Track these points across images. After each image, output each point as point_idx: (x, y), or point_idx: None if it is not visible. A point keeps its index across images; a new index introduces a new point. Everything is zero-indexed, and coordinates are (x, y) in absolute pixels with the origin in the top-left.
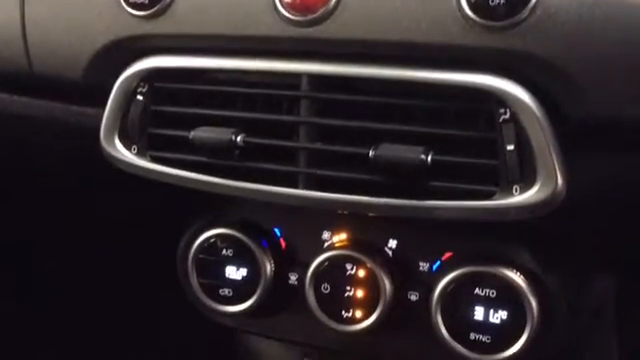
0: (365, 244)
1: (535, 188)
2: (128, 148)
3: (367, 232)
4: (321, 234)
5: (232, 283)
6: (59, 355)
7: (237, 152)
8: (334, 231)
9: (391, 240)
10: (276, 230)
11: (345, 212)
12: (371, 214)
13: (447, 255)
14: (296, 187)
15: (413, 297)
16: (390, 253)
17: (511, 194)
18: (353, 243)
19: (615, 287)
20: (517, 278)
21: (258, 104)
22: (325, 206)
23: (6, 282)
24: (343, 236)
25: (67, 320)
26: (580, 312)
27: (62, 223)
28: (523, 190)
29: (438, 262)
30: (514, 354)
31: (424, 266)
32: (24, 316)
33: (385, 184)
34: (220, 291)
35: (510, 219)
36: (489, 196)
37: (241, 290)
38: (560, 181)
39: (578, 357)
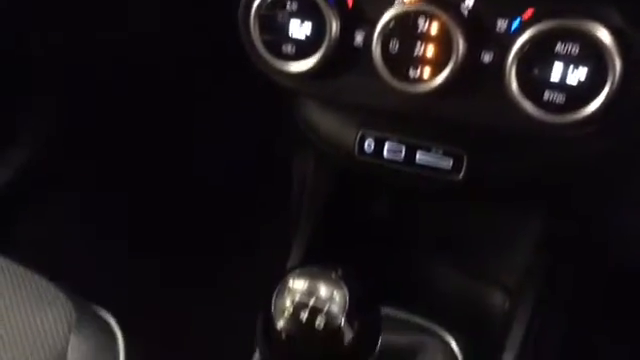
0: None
1: None
2: None
3: None
4: None
5: (295, 40)
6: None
7: None
8: None
9: None
10: None
11: None
12: None
13: (528, 12)
14: None
15: (487, 58)
16: (466, 11)
17: None
18: None
19: None
20: (603, 34)
21: None
22: None
23: None
24: None
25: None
26: None
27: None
28: None
29: (518, 20)
30: (587, 115)
31: (502, 24)
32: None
33: None
34: (283, 47)
35: None
36: None
37: (305, 47)
38: None
39: None
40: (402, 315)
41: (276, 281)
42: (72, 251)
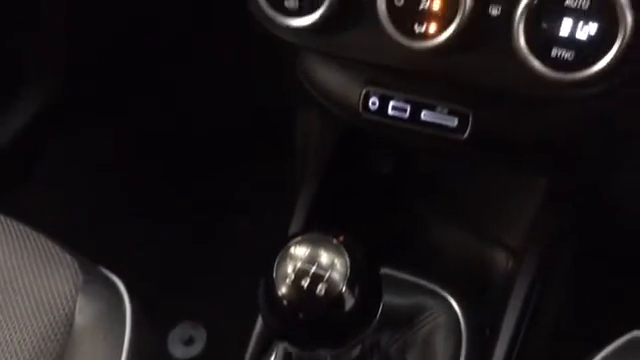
0: None
1: None
2: None
3: None
4: None
5: None
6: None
7: None
8: None
9: None
10: None
11: None
12: None
13: None
14: None
15: (494, 11)
16: None
17: None
18: None
19: None
20: None
21: None
22: None
23: None
24: None
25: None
26: None
27: None
28: None
29: None
30: (595, 73)
31: None
32: None
33: None
34: (285, 2)
35: None
36: None
37: (307, 1)
38: None
39: None
40: (404, 276)
41: (278, 245)
42: (75, 213)
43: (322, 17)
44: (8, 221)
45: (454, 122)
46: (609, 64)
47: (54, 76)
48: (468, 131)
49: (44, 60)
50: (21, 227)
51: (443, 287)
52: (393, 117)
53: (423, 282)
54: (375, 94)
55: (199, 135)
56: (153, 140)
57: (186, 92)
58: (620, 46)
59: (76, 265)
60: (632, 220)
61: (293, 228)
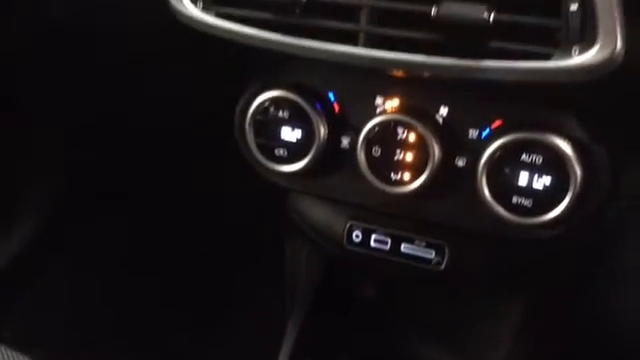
0: (417, 110)
1: (594, 49)
2: (194, 3)
3: (419, 99)
4: (374, 99)
5: (287, 144)
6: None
7: (300, 9)
8: (387, 97)
9: (442, 107)
10: (330, 95)
11: (401, 73)
12: (427, 74)
13: (497, 123)
14: (356, 45)
15: (460, 163)
16: (440, 120)
17: (570, 55)
18: (405, 108)
19: None
20: (564, 146)
21: None
22: (383, 65)
23: None
24: (395, 102)
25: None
26: (621, 189)
27: (126, 83)
28: (582, 51)
29: (487, 130)
30: (553, 218)
31: (473, 133)
32: None
33: (444, 44)
34: (275, 151)
35: (567, 81)
36: (547, 58)
37: (295, 151)
38: (619, 43)
39: (614, 236)
40: None
41: None
42: (64, 334)
43: (308, 165)
44: (2, 349)
45: (432, 254)
46: (563, 212)
47: (52, 203)
48: (445, 262)
49: (42, 188)
50: (15, 355)
51: None
52: (375, 249)
53: None
54: (358, 228)
55: (198, 251)
56: (150, 267)
57: (181, 220)
58: (572, 196)
59: None
60: (612, 341)
61: (282, 357)
